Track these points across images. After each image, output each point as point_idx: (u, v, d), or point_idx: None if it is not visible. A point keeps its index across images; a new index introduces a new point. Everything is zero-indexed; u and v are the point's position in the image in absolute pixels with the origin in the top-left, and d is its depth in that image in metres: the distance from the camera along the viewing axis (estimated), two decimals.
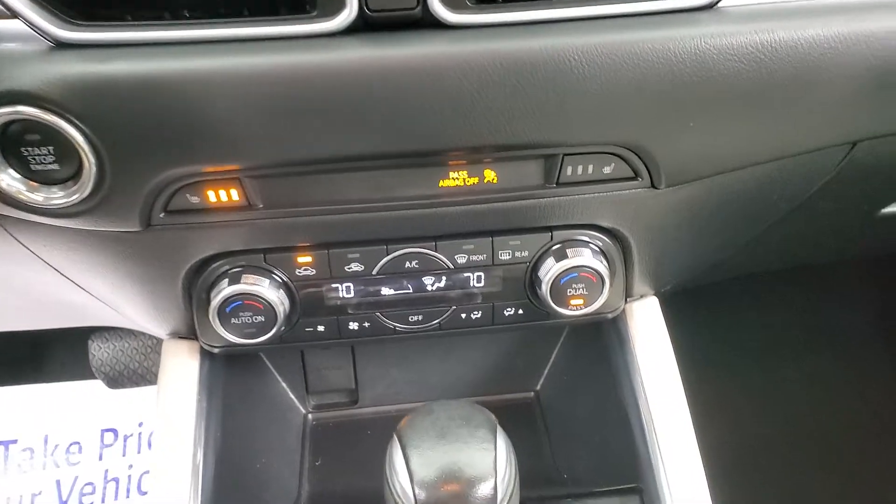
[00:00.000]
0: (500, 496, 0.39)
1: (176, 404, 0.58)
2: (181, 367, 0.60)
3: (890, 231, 0.73)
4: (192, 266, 0.54)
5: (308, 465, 0.69)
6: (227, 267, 0.54)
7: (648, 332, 0.63)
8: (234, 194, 0.50)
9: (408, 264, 0.56)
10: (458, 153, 0.49)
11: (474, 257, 0.56)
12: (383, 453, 0.67)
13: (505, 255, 0.56)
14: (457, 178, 0.52)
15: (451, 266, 0.56)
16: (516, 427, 0.71)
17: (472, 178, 0.52)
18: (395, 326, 0.59)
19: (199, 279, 0.55)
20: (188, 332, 0.60)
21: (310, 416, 0.74)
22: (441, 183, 0.52)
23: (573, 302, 0.57)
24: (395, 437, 0.41)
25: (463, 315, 0.59)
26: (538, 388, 0.76)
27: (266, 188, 0.50)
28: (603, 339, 0.67)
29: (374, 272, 0.56)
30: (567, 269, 0.55)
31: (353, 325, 0.59)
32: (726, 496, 0.62)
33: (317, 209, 0.52)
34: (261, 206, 0.51)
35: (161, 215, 0.50)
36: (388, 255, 0.55)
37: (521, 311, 0.60)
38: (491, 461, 0.39)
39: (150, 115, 0.44)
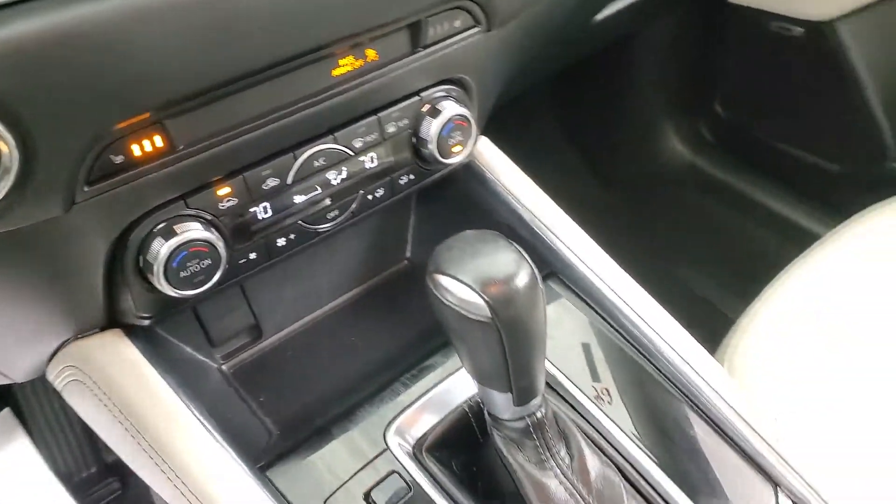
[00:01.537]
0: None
1: (157, 397, 0.54)
2: (122, 358, 0.56)
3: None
4: (114, 239, 0.50)
5: (256, 406, 0.69)
6: (152, 226, 0.52)
7: (499, 162, 0.75)
8: (158, 140, 0.48)
9: (316, 163, 0.59)
10: (347, 39, 0.54)
11: (368, 138, 0.61)
12: (313, 366, 0.71)
13: (391, 128, 0.62)
14: (346, 64, 0.56)
15: (352, 153, 0.61)
16: (402, 292, 0.80)
17: (359, 61, 0.56)
18: (316, 229, 0.62)
19: (126, 249, 0.51)
20: (98, 323, 0.56)
21: (223, 367, 0.73)
22: (333, 72, 0.55)
23: (454, 150, 0.66)
24: (437, 275, 0.46)
25: (370, 196, 0.64)
26: (408, 255, 0.84)
27: (185, 126, 0.49)
28: (455, 186, 0.77)
29: (289, 182, 0.58)
30: (445, 122, 0.63)
31: (282, 241, 0.60)
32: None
33: (232, 133, 0.52)
34: (182, 147, 0.49)
35: (85, 188, 0.46)
36: (296, 160, 0.57)
37: (412, 176, 0.67)
38: (521, 255, 0.47)
39: (73, 72, 0.40)
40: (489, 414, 0.53)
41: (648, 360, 0.62)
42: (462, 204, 0.77)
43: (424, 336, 0.67)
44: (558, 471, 0.52)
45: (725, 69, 1.47)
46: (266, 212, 0.58)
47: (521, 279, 0.45)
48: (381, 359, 0.67)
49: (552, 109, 1.59)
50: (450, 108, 0.64)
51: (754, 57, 1.40)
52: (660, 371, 0.61)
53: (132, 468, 0.55)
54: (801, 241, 0.97)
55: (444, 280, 0.46)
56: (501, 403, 0.51)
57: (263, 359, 0.74)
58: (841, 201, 1.08)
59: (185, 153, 0.49)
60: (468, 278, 0.45)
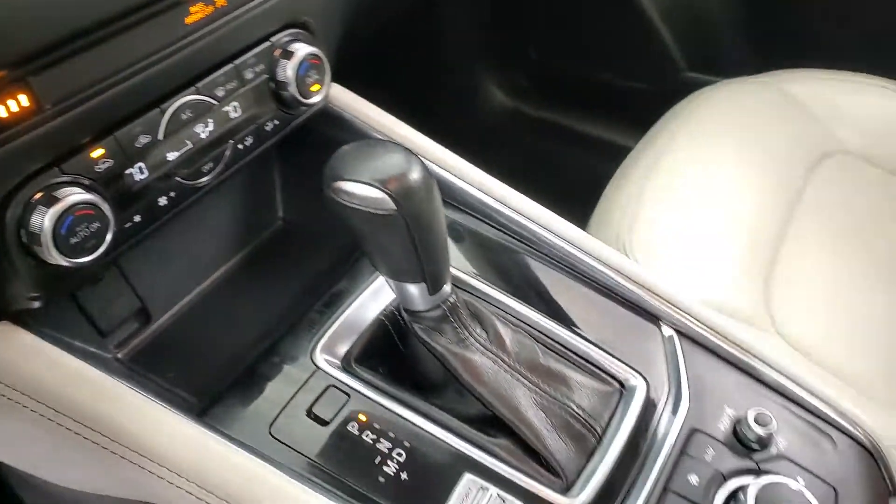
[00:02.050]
0: None
1: (74, 372, 0.52)
2: (22, 344, 0.53)
3: None
4: None
5: (168, 384, 0.68)
6: (29, 196, 0.50)
7: (355, 102, 0.78)
8: (24, 99, 0.46)
9: (184, 116, 0.59)
10: None
11: (229, 86, 0.62)
12: (216, 333, 0.71)
13: (249, 75, 0.63)
14: (197, 11, 0.57)
15: (216, 102, 0.61)
16: (283, 252, 0.81)
17: (209, 7, 0.57)
18: (195, 185, 0.62)
19: (5, 225, 0.49)
20: None
21: (119, 355, 0.70)
22: (187, 20, 0.56)
23: (313, 89, 0.68)
24: (337, 183, 0.49)
25: (240, 146, 0.65)
26: (281, 215, 0.85)
27: (49, 82, 0.48)
28: (315, 136, 0.79)
29: (160, 137, 0.58)
30: (299, 62, 0.66)
31: (163, 200, 0.60)
32: None
33: (97, 89, 0.51)
34: (49, 106, 0.48)
35: None
36: (164, 114, 0.57)
37: (277, 122, 0.68)
38: (409, 151, 0.51)
39: None
40: (407, 311, 0.57)
41: (529, 245, 0.69)
42: (326, 152, 0.79)
43: (320, 278, 0.69)
44: (478, 345, 0.57)
45: (530, 16, 1.59)
46: (143, 172, 0.57)
47: (416, 171, 0.49)
48: (285, 304, 0.68)
49: (378, 77, 1.63)
50: (301, 49, 0.66)
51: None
52: (540, 252, 0.68)
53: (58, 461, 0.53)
54: (623, 157, 1.09)
55: (345, 185, 0.49)
56: (417, 296, 0.55)
57: (160, 339, 0.72)
58: (650, 116, 1.22)
59: (53, 112, 0.48)
60: (368, 178, 0.48)
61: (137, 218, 0.58)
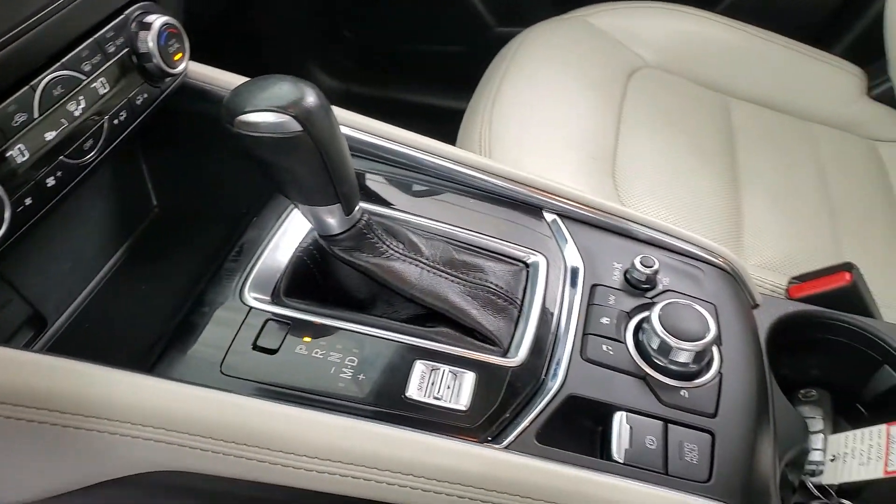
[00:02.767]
0: None
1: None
2: None
3: None
4: None
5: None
6: None
7: (212, 72, 0.79)
8: None
9: (55, 92, 0.58)
10: None
11: (94, 60, 0.62)
12: (126, 319, 0.69)
13: (111, 48, 0.63)
14: None
15: (84, 77, 0.61)
16: (169, 236, 0.81)
17: None
18: (79, 164, 0.61)
19: None
20: None
21: None
22: None
23: (177, 58, 0.69)
24: (240, 117, 0.51)
25: (115, 121, 0.65)
26: (155, 203, 0.84)
27: None
28: (178, 117, 0.79)
29: (35, 115, 0.57)
30: (158, 32, 0.66)
31: (51, 181, 0.59)
32: None
33: None
34: None
35: None
36: (35, 91, 0.57)
37: (146, 94, 0.68)
38: (298, 78, 0.54)
39: None
40: (325, 238, 0.60)
41: (417, 170, 0.74)
42: (192, 131, 0.80)
43: (216, 244, 0.70)
44: (399, 254, 0.61)
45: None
46: (24, 154, 0.56)
47: (312, 94, 0.52)
48: (192, 271, 0.68)
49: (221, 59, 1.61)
50: (158, 19, 0.66)
51: None
52: (427, 175, 0.74)
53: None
54: (459, 119, 1.17)
55: (248, 117, 0.51)
56: (332, 219, 0.58)
57: (65, 339, 0.70)
58: (475, 74, 1.31)
59: None
60: (268, 105, 0.51)
61: (28, 201, 0.56)
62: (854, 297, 0.76)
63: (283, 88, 0.52)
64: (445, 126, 1.15)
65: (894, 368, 0.71)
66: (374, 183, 0.73)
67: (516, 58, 1.18)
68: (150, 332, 0.64)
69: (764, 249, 0.95)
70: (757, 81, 1.25)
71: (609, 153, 1.02)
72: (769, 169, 1.08)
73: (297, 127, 0.51)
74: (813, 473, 0.69)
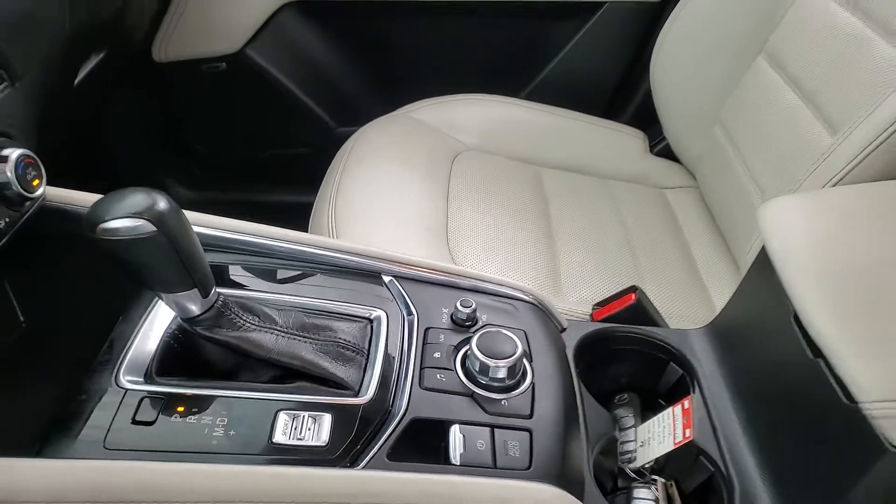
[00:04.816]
0: None
1: None
2: None
3: None
4: None
5: None
6: None
7: (68, 193, 0.87)
8: None
9: None
10: None
11: None
12: None
13: None
14: None
15: None
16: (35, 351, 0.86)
17: None
18: None
19: None
20: None
21: None
22: None
23: (35, 184, 0.77)
24: (100, 226, 0.60)
25: None
26: (22, 319, 0.89)
27: None
28: (41, 235, 0.86)
29: None
30: (16, 163, 0.75)
31: None
32: None
33: None
34: None
35: None
36: None
37: (7, 219, 0.76)
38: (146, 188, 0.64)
39: None
40: (187, 321, 0.69)
41: (263, 254, 0.85)
42: (53, 249, 0.87)
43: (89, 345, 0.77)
44: (254, 325, 0.71)
45: (188, 114, 1.76)
46: None
47: (162, 199, 0.63)
48: (66, 369, 0.74)
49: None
50: (13, 152, 0.75)
51: (202, 95, 1.71)
52: (279, 257, 0.85)
53: None
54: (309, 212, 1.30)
55: (107, 225, 0.60)
56: (192, 304, 0.68)
57: None
58: (319, 172, 1.45)
59: None
60: (124, 213, 0.61)
61: None
62: (641, 312, 0.93)
63: (137, 198, 0.62)
64: (298, 219, 1.27)
65: (677, 364, 0.88)
66: (230, 270, 0.83)
67: (354, 151, 1.34)
68: (30, 425, 0.69)
69: (579, 288, 1.13)
70: (561, 151, 1.47)
71: (442, 224, 1.18)
72: (578, 221, 1.28)
73: (151, 228, 0.61)
74: (630, 461, 0.84)
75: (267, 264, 0.85)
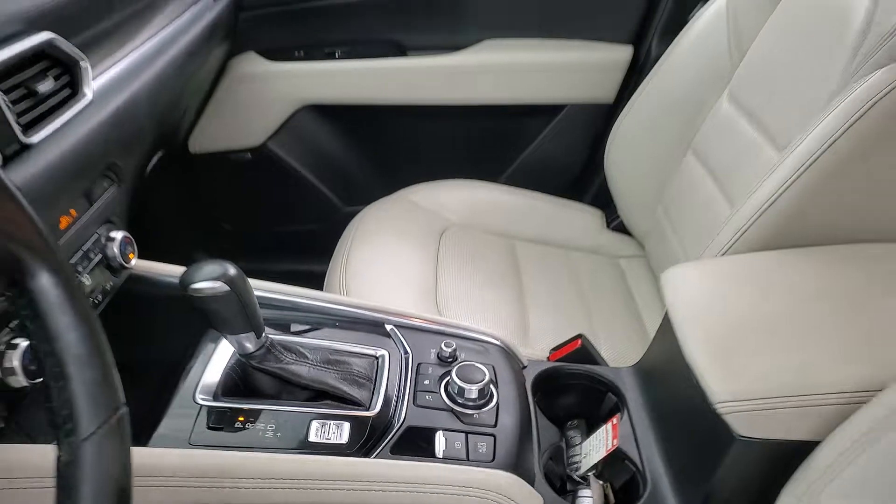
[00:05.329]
0: None
1: None
2: None
3: None
4: None
5: None
6: None
7: (149, 264, 1.15)
8: None
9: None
10: None
11: (84, 264, 0.97)
12: None
13: (91, 255, 0.99)
14: (64, 219, 0.92)
15: (78, 275, 0.96)
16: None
17: (69, 218, 0.93)
18: None
19: None
20: None
21: None
22: (61, 226, 0.91)
23: (131, 257, 1.05)
24: (191, 287, 0.88)
25: (94, 302, 0.99)
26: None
27: None
28: (130, 295, 1.13)
29: None
30: (120, 243, 1.03)
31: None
32: None
33: None
34: None
35: None
36: None
37: (112, 283, 1.03)
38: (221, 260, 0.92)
39: None
40: (244, 356, 0.96)
41: (293, 308, 1.12)
42: (140, 307, 1.13)
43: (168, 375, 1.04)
44: (292, 360, 0.98)
45: (217, 196, 2.06)
46: None
47: (232, 268, 0.90)
48: (154, 390, 1.00)
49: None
50: (119, 234, 1.03)
51: (230, 180, 2.02)
52: (305, 311, 1.12)
53: None
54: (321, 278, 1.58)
55: (196, 286, 0.88)
56: (248, 343, 0.95)
57: None
58: (329, 246, 1.74)
59: None
60: (207, 278, 0.88)
61: None
62: (585, 354, 1.20)
63: (215, 267, 0.90)
64: (311, 285, 1.54)
65: (613, 394, 1.15)
66: (273, 320, 1.10)
67: (360, 228, 1.63)
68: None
69: (543, 339, 1.39)
70: (532, 227, 1.76)
71: (431, 286, 1.46)
72: (544, 285, 1.55)
73: (226, 288, 0.88)
74: (576, 469, 1.09)
75: (299, 316, 1.12)
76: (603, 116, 1.88)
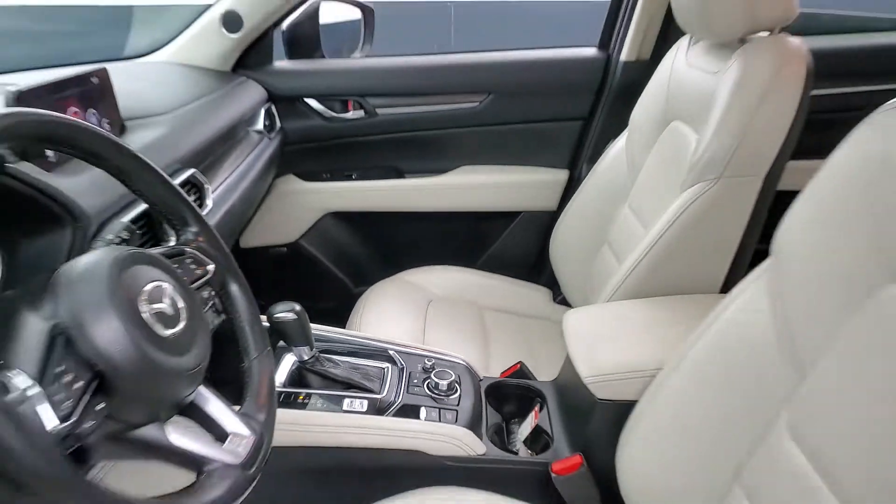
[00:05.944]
0: None
1: None
2: None
3: None
4: None
5: None
6: None
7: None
8: None
9: None
10: None
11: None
12: None
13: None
14: None
15: None
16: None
17: None
18: None
19: None
20: None
21: None
22: None
23: None
24: (272, 316, 1.49)
25: None
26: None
27: None
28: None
29: None
30: None
31: None
32: None
33: None
34: None
35: None
36: None
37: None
38: (289, 301, 1.53)
39: None
40: (300, 362, 1.55)
41: (331, 340, 1.73)
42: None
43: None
44: (333, 364, 1.57)
45: (258, 282, 2.68)
46: None
47: (296, 304, 1.52)
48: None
49: None
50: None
51: (270, 269, 2.65)
52: (331, 341, 1.73)
53: None
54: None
55: (276, 315, 1.50)
56: (305, 354, 1.54)
57: None
58: (340, 320, 2.35)
59: None
60: (282, 310, 1.50)
61: None
62: (522, 374, 1.79)
63: (287, 304, 1.52)
64: None
65: (538, 396, 1.73)
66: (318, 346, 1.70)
67: (367, 304, 2.24)
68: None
69: (499, 371, 1.99)
70: (497, 300, 2.38)
71: (420, 337, 2.06)
72: (503, 342, 2.16)
73: (294, 316, 1.50)
74: (514, 444, 1.66)
75: (335, 345, 1.72)
76: (548, 220, 2.54)
